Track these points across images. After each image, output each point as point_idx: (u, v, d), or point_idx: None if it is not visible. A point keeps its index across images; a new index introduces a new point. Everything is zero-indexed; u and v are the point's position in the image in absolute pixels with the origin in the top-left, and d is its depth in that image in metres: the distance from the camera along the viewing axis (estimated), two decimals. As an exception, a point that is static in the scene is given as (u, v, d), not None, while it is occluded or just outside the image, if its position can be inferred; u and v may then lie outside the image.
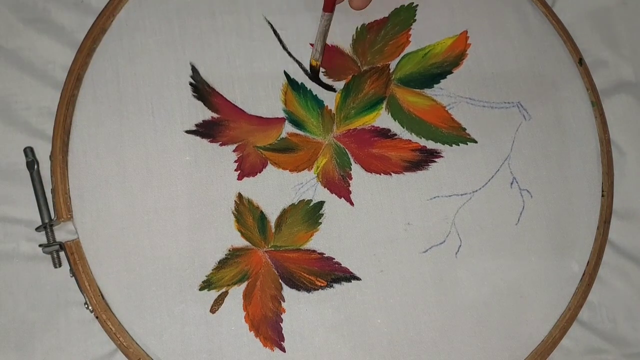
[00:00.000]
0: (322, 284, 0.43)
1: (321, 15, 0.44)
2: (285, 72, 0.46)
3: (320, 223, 0.44)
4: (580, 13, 0.54)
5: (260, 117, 0.45)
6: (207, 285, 0.42)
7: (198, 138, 0.44)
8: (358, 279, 0.44)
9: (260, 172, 0.44)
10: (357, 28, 0.47)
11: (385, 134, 0.46)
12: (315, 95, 0.46)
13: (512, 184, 0.47)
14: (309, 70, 0.46)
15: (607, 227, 0.48)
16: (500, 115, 0.48)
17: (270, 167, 0.44)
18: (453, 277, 0.45)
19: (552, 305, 0.46)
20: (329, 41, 0.47)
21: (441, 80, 0.47)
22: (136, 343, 0.41)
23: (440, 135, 0.46)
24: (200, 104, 0.45)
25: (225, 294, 0.42)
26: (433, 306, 0.44)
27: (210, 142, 0.44)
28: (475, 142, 0.47)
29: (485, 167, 0.47)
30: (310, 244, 0.44)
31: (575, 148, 0.48)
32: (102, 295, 0.41)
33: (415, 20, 0.48)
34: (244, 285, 0.42)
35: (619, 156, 0.52)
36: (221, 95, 0.45)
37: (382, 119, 0.46)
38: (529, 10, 0.50)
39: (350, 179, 0.45)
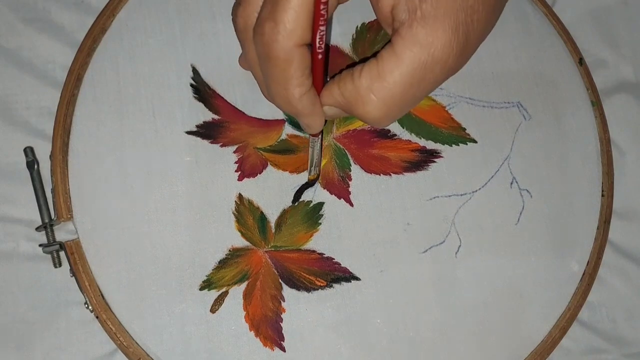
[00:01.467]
0: (321, 284, 0.43)
1: (309, 139, 0.41)
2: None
3: (320, 224, 0.44)
4: (580, 13, 0.54)
5: (260, 119, 0.45)
6: (207, 285, 0.42)
7: (199, 139, 0.44)
8: (358, 279, 0.44)
9: (260, 173, 0.44)
10: (357, 27, 0.47)
11: (384, 134, 0.46)
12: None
13: (512, 184, 0.47)
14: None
15: (607, 227, 0.48)
16: (500, 115, 0.48)
17: (270, 168, 0.44)
18: (453, 277, 0.45)
19: (552, 305, 0.46)
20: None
21: (441, 80, 0.47)
22: (136, 343, 0.41)
23: (440, 135, 0.46)
24: (200, 105, 0.44)
25: (226, 293, 0.42)
26: (433, 306, 0.44)
27: (211, 143, 0.44)
28: (475, 142, 0.47)
29: (485, 167, 0.47)
30: (310, 244, 0.44)
31: (575, 148, 0.48)
32: (102, 295, 0.41)
33: (414, 20, 0.48)
34: (244, 285, 0.42)
35: (619, 156, 0.52)
36: (222, 97, 0.45)
37: (382, 119, 0.46)
38: (529, 10, 0.50)
39: (350, 179, 0.45)
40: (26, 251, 0.45)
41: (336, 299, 0.43)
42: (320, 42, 0.33)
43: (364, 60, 0.46)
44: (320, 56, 0.34)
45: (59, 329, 0.44)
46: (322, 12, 0.32)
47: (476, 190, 0.46)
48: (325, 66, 0.36)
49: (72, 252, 0.42)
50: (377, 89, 0.33)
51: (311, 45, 0.33)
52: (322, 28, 0.32)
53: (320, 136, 0.41)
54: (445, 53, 0.32)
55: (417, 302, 0.44)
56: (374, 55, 0.34)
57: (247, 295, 0.42)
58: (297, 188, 0.44)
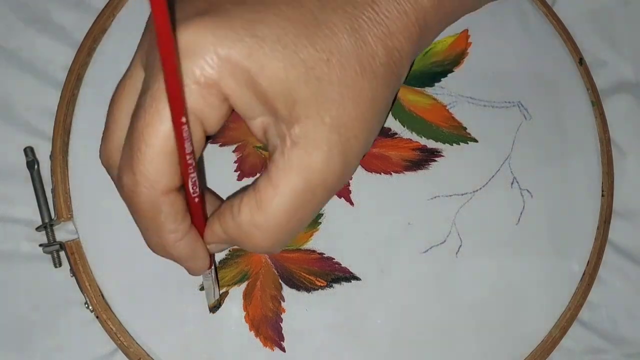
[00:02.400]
0: (321, 284, 0.43)
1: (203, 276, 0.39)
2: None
3: (320, 223, 0.44)
4: (580, 13, 0.54)
5: (260, 118, 0.45)
6: (207, 285, 0.42)
7: (198, 138, 0.44)
8: (358, 279, 0.44)
9: (260, 173, 0.44)
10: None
11: (385, 133, 0.46)
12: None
13: (512, 183, 0.47)
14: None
15: (607, 227, 0.48)
16: (501, 114, 0.48)
17: (270, 168, 0.44)
18: (453, 276, 0.45)
19: (552, 305, 0.46)
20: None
21: (442, 79, 0.47)
22: (136, 343, 0.41)
23: (440, 134, 0.46)
24: (200, 104, 0.44)
25: (226, 294, 0.42)
26: (433, 306, 0.44)
27: (210, 142, 0.44)
28: (476, 141, 0.47)
29: (486, 166, 0.47)
30: (310, 244, 0.43)
31: (575, 148, 0.48)
32: (102, 295, 0.41)
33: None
34: (244, 286, 0.42)
35: (619, 156, 0.52)
36: (221, 96, 0.45)
37: (383, 117, 0.46)
38: (529, 9, 0.50)
39: (350, 178, 0.45)
40: (26, 251, 0.45)
41: (336, 299, 0.43)
42: (194, 188, 0.31)
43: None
44: (197, 199, 0.31)
45: (59, 329, 0.44)
46: (190, 161, 0.29)
47: (477, 190, 0.46)
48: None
49: (72, 252, 0.42)
50: (259, 222, 0.31)
51: (183, 187, 0.31)
52: (192, 176, 0.30)
53: (212, 268, 0.38)
54: (323, 175, 0.30)
55: (418, 302, 0.44)
56: (254, 183, 0.32)
57: (247, 296, 0.42)
58: None
